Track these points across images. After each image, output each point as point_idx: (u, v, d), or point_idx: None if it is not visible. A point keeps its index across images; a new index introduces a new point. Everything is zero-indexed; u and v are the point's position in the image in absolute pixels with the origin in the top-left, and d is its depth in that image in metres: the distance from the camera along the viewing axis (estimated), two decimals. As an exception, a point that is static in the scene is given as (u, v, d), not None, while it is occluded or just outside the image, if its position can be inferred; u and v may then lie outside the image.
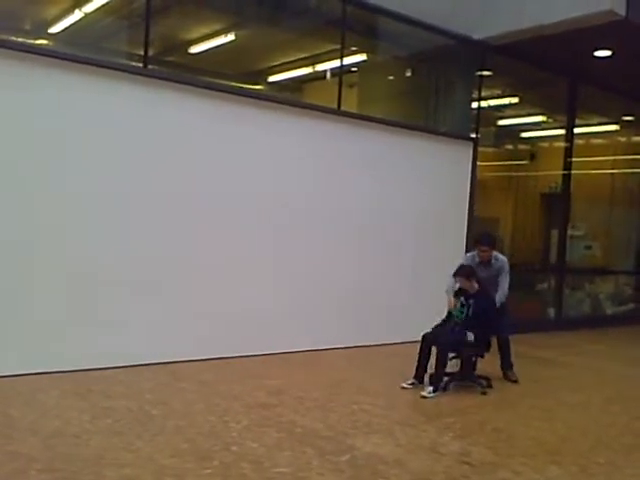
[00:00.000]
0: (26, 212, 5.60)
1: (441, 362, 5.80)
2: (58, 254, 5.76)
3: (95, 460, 3.79)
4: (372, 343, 7.83)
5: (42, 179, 5.66)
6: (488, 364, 6.42)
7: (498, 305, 6.36)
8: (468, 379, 6.18)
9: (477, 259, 6.57)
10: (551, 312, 10.97)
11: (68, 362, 5.74)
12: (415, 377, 6.02)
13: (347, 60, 7.99)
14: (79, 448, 3.98)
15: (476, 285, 6.12)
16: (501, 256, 6.64)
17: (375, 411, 5.20)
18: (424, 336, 6.04)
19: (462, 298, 6.11)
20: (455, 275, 6.14)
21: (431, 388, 5.74)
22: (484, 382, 6.12)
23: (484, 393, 5.96)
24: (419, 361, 6.02)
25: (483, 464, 4.15)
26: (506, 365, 6.65)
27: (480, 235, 6.88)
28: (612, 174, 12.41)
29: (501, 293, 6.48)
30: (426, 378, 5.98)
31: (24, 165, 5.57)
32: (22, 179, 5.57)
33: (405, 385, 5.96)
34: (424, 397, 5.66)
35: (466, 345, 5.99)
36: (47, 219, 5.70)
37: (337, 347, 7.53)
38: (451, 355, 5.98)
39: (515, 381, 6.53)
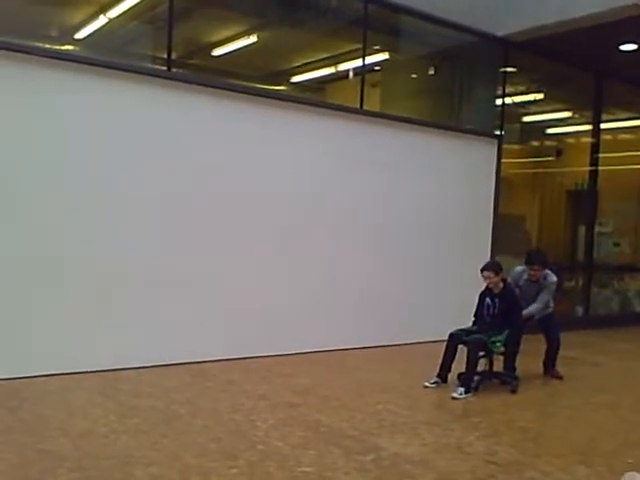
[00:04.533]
0: (56, 213, 5.70)
1: (472, 362, 5.74)
2: (87, 256, 5.84)
3: (123, 459, 3.85)
4: (393, 343, 7.80)
5: (70, 180, 5.76)
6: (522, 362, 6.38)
7: (527, 316, 6.35)
8: (498, 378, 6.13)
9: (525, 276, 6.52)
10: (579, 310, 10.83)
11: (96, 362, 5.83)
12: (438, 376, 5.98)
13: (369, 59, 7.97)
14: (107, 447, 4.04)
15: (501, 284, 6.07)
16: (551, 275, 6.55)
17: (400, 411, 5.19)
18: (451, 334, 5.98)
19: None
20: (483, 270, 6.07)
21: (462, 389, 5.66)
22: (514, 382, 6.05)
23: (514, 392, 5.90)
24: (443, 360, 5.97)
25: (510, 464, 4.12)
26: (551, 364, 6.74)
27: (530, 254, 6.72)
28: (641, 169, 12.22)
29: (535, 306, 6.44)
30: (450, 377, 5.95)
31: (52, 167, 5.67)
32: (50, 180, 5.67)
33: (428, 384, 5.93)
34: (455, 398, 5.58)
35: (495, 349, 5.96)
36: (77, 220, 5.79)
37: (359, 347, 7.51)
38: (480, 354, 5.92)
39: (561, 377, 6.62)
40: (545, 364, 6.77)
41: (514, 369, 6.28)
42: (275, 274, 7.01)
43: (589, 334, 9.69)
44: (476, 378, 5.88)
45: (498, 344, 5.92)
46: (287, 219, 7.07)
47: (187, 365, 6.23)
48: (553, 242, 11.70)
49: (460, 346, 5.93)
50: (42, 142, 5.63)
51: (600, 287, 11.36)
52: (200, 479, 3.63)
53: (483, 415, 5.21)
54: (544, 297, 6.50)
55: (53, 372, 5.59)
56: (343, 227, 7.54)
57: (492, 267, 6.12)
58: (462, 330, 6.01)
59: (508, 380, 6.06)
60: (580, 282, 11.04)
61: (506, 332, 5.93)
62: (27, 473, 3.60)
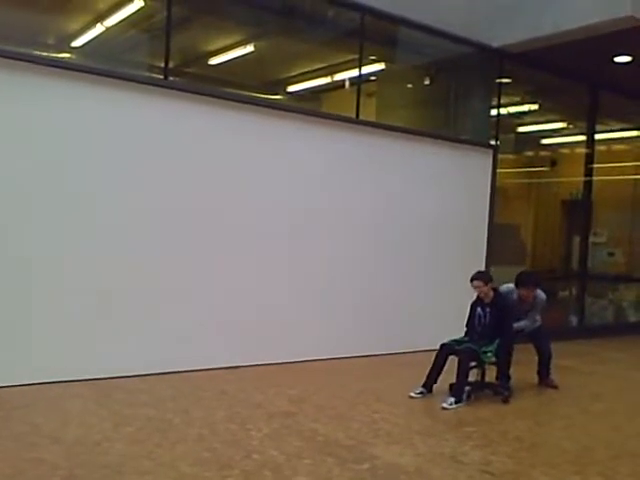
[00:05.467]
0: (53, 222, 5.69)
1: (463, 371, 5.72)
2: (83, 266, 5.84)
3: (116, 468, 3.83)
4: (390, 352, 7.80)
5: (63, 192, 5.75)
6: (516, 372, 6.38)
7: (516, 329, 6.33)
8: (490, 388, 6.12)
9: (515, 296, 6.46)
10: (573, 320, 10.86)
11: (90, 371, 5.80)
12: (424, 386, 5.92)
13: (365, 69, 8.00)
14: (101, 456, 4.02)
15: (491, 293, 6.06)
16: (541, 293, 6.58)
17: (395, 420, 5.18)
18: (442, 344, 5.97)
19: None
20: (473, 279, 6.06)
21: (452, 399, 5.63)
22: (506, 392, 6.03)
23: (506, 402, 5.91)
24: (431, 370, 5.93)
25: (505, 473, 4.12)
26: (545, 373, 6.73)
27: (522, 276, 6.61)
28: (635, 180, 12.28)
29: (524, 322, 6.48)
30: (436, 387, 5.91)
31: (51, 172, 5.67)
32: (48, 187, 5.66)
33: (413, 394, 5.87)
34: (445, 409, 5.56)
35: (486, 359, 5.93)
36: (73, 229, 5.79)
37: (355, 356, 7.51)
38: (471, 364, 5.89)
39: (556, 387, 6.63)
40: (539, 373, 6.77)
41: (508, 379, 6.27)
42: (271, 284, 7.00)
43: (584, 343, 9.71)
44: (467, 388, 5.84)
45: (489, 354, 5.91)
46: (282, 228, 7.07)
47: (182, 374, 6.21)
48: (548, 252, 11.75)
49: (451, 357, 5.90)
50: (39, 150, 5.62)
51: (594, 297, 11.39)
52: (194, 488, 3.62)
53: (478, 425, 5.20)
54: (534, 314, 6.56)
55: (46, 380, 5.56)
56: (339, 236, 7.54)
57: (481, 277, 6.12)
58: (454, 340, 6.01)
59: (500, 390, 6.05)
60: (574, 292, 11.07)
61: (497, 342, 5.92)
62: (20, 482, 3.58)
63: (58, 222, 5.72)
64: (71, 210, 5.78)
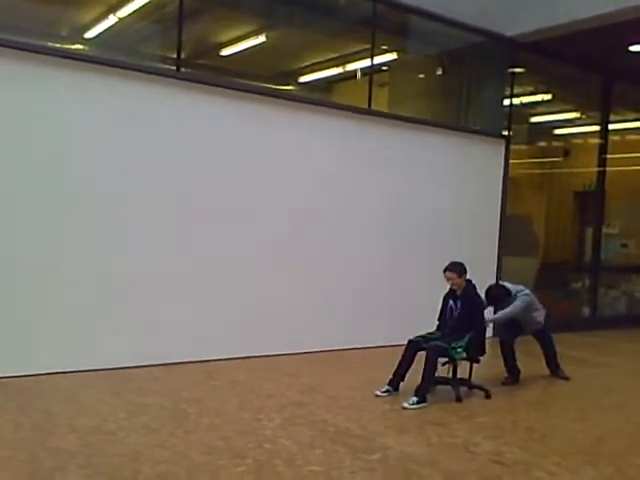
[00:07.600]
0: (60, 212, 5.74)
1: (429, 370, 5.36)
2: (96, 252, 5.89)
3: (132, 456, 3.88)
4: (397, 343, 7.75)
5: (74, 180, 5.79)
6: (528, 363, 6.38)
7: (490, 321, 6.16)
8: (466, 385, 5.79)
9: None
10: (586, 311, 10.82)
11: (104, 361, 5.87)
12: (390, 384, 5.61)
13: (377, 59, 7.99)
14: (116, 444, 4.07)
15: (464, 284, 5.75)
16: (522, 291, 6.33)
17: (407, 411, 5.20)
18: (410, 341, 5.64)
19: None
20: (445, 270, 5.77)
21: (415, 399, 5.27)
22: (485, 390, 5.79)
23: (488, 397, 5.70)
24: (398, 367, 5.61)
25: (516, 464, 4.13)
26: (554, 366, 6.67)
27: (489, 288, 6.38)
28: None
29: (503, 313, 6.22)
30: (403, 385, 5.61)
31: (56, 167, 5.71)
32: (53, 181, 5.71)
33: (379, 393, 5.56)
34: (405, 408, 5.20)
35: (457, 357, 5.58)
36: (80, 220, 5.84)
37: (363, 346, 7.54)
38: (443, 360, 5.55)
39: (567, 378, 6.59)
40: (549, 366, 6.73)
41: (518, 371, 6.27)
42: (281, 275, 7.03)
43: (596, 335, 9.67)
44: (461, 388, 5.64)
45: (459, 349, 5.53)
46: (292, 218, 7.09)
47: (194, 364, 6.27)
48: (560, 243, 11.69)
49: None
50: (50, 141, 5.66)
51: (607, 288, 11.34)
52: (208, 477, 3.66)
53: (489, 415, 5.22)
54: (512, 305, 6.20)
55: (61, 370, 5.64)
56: (349, 227, 7.55)
57: (454, 268, 5.76)
58: (421, 336, 5.65)
59: (481, 387, 5.81)
60: (587, 283, 11.02)
61: (468, 336, 5.58)
62: (37, 470, 3.64)
63: (64, 209, 5.77)
64: (82, 201, 5.83)
